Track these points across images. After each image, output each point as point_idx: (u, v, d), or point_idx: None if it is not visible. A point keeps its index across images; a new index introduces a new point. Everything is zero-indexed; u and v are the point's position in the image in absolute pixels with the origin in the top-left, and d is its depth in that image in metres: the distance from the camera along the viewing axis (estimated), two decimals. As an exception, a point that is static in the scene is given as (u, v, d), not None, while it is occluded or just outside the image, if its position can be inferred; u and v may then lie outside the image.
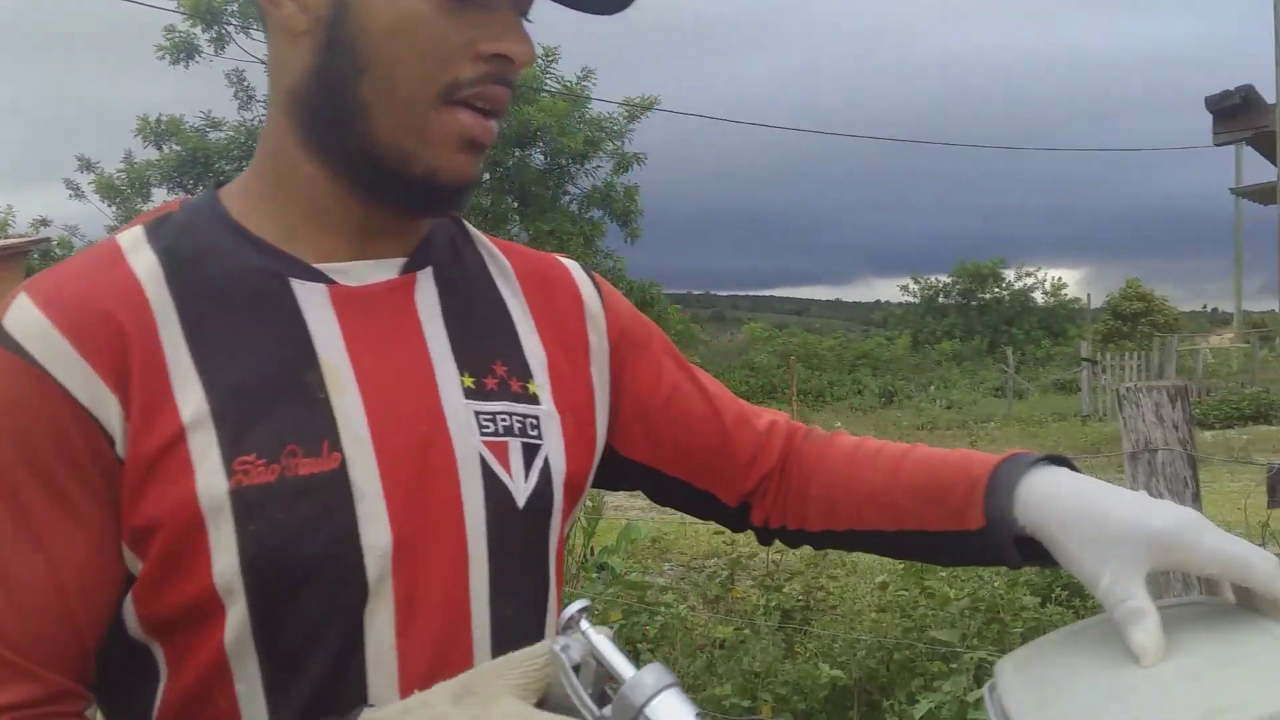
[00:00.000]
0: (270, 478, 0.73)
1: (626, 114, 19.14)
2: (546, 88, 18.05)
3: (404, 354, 0.82)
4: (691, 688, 4.04)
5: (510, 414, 0.85)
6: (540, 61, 17.66)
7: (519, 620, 0.82)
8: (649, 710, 0.56)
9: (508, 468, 0.83)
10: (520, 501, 0.83)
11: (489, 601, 0.80)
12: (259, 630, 0.73)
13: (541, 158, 18.70)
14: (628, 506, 10.85)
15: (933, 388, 27.29)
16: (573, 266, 0.99)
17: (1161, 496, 2.22)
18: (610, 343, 0.96)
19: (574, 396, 0.91)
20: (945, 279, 44.93)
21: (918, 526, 0.89)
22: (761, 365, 29.76)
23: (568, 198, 19.20)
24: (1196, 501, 2.19)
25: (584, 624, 0.63)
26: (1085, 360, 20.46)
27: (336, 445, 0.75)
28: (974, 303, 43.64)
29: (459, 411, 0.82)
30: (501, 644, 0.79)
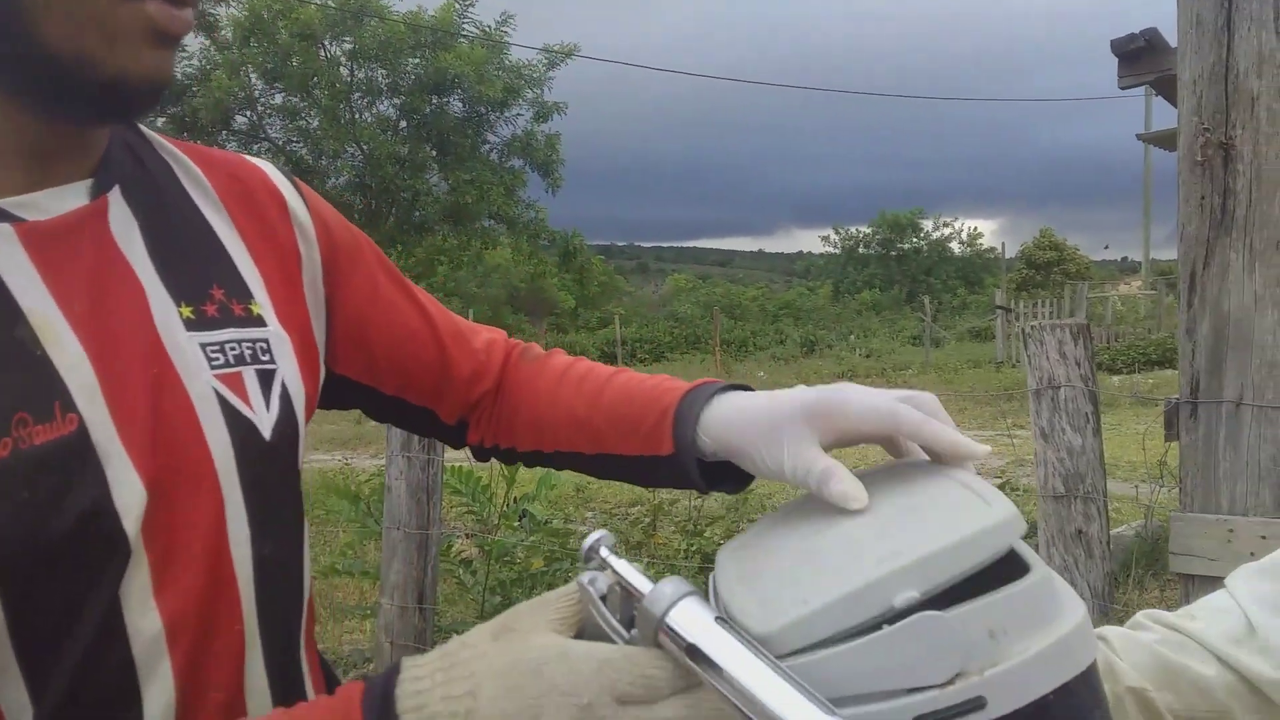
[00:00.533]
0: (3, 454, 0.63)
1: (546, 61, 18.86)
2: (464, 33, 17.67)
3: (114, 291, 0.73)
4: (613, 632, 4.06)
5: (239, 341, 0.78)
6: (457, 5, 17.26)
7: (277, 559, 0.78)
8: (669, 619, 0.57)
9: (247, 400, 0.77)
10: (266, 433, 0.77)
11: (249, 542, 0.75)
12: (12, 619, 0.64)
13: (460, 105, 18.38)
14: (551, 457, 10.83)
15: (853, 337, 27.67)
16: (268, 168, 0.90)
17: (1064, 432, 2.27)
18: (321, 253, 0.90)
19: (295, 313, 0.85)
20: (866, 230, 45.46)
21: (615, 451, 0.91)
22: (685, 316, 29.83)
23: (487, 146, 18.94)
24: (1097, 436, 2.25)
25: (604, 552, 0.63)
26: (999, 308, 20.90)
27: (70, 405, 0.66)
28: (893, 253, 44.24)
29: (183, 347, 0.74)
30: (265, 584, 0.75)
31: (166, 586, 0.70)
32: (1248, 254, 1.99)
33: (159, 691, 0.68)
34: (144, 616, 0.69)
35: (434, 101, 17.73)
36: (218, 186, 0.85)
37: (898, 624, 0.59)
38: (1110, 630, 0.90)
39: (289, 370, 0.81)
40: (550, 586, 4.31)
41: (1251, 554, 2.02)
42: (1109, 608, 2.34)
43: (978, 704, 0.58)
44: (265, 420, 0.78)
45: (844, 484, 0.70)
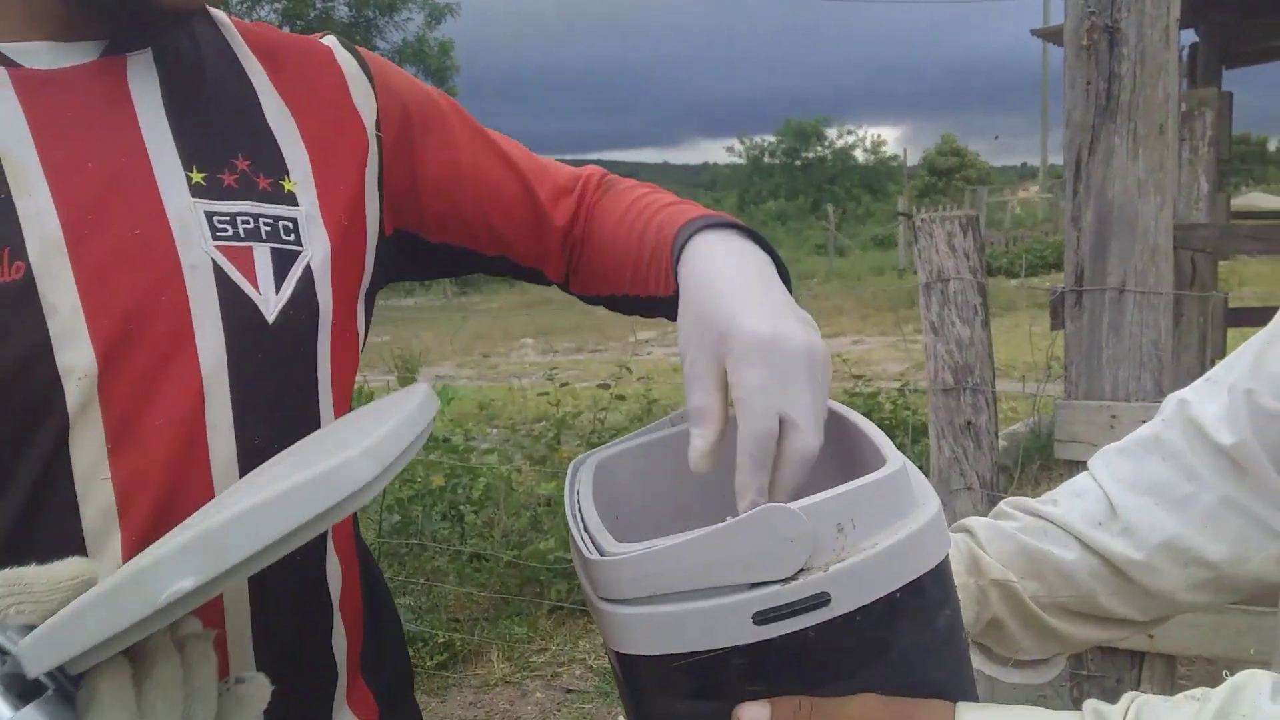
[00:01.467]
0: None
1: (437, -38, 18.20)
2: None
3: (112, 147, 0.70)
4: (516, 545, 4.05)
5: (256, 215, 0.74)
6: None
7: (272, 450, 0.72)
8: None
9: (252, 277, 0.72)
10: (270, 315, 0.73)
11: (233, 430, 0.71)
12: None
13: (346, 9, 17.68)
14: (455, 376, 10.73)
15: (759, 247, 27.80)
16: (333, 43, 0.87)
17: (953, 325, 2.26)
18: (394, 124, 0.86)
19: (341, 190, 0.80)
20: (771, 139, 45.48)
21: (652, 293, 0.87)
22: (592, 230, 29.54)
23: (377, 53, 18.31)
24: (985, 328, 2.24)
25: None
26: (901, 215, 21.17)
27: (20, 253, 0.65)
28: (798, 162, 44.41)
29: (184, 212, 0.71)
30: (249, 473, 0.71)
31: (123, 459, 0.67)
32: (1131, 139, 1.97)
33: (109, 568, 0.64)
34: (95, 485, 0.67)
35: (318, 6, 16.99)
36: (271, 57, 0.82)
37: (742, 515, 0.55)
38: (974, 521, 0.88)
39: (318, 254, 0.77)
40: (452, 504, 4.26)
41: (1133, 439, 2.05)
42: (996, 497, 2.37)
43: (821, 600, 0.55)
44: (271, 302, 0.73)
45: (697, 444, 0.66)
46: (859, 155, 45.17)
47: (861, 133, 45.57)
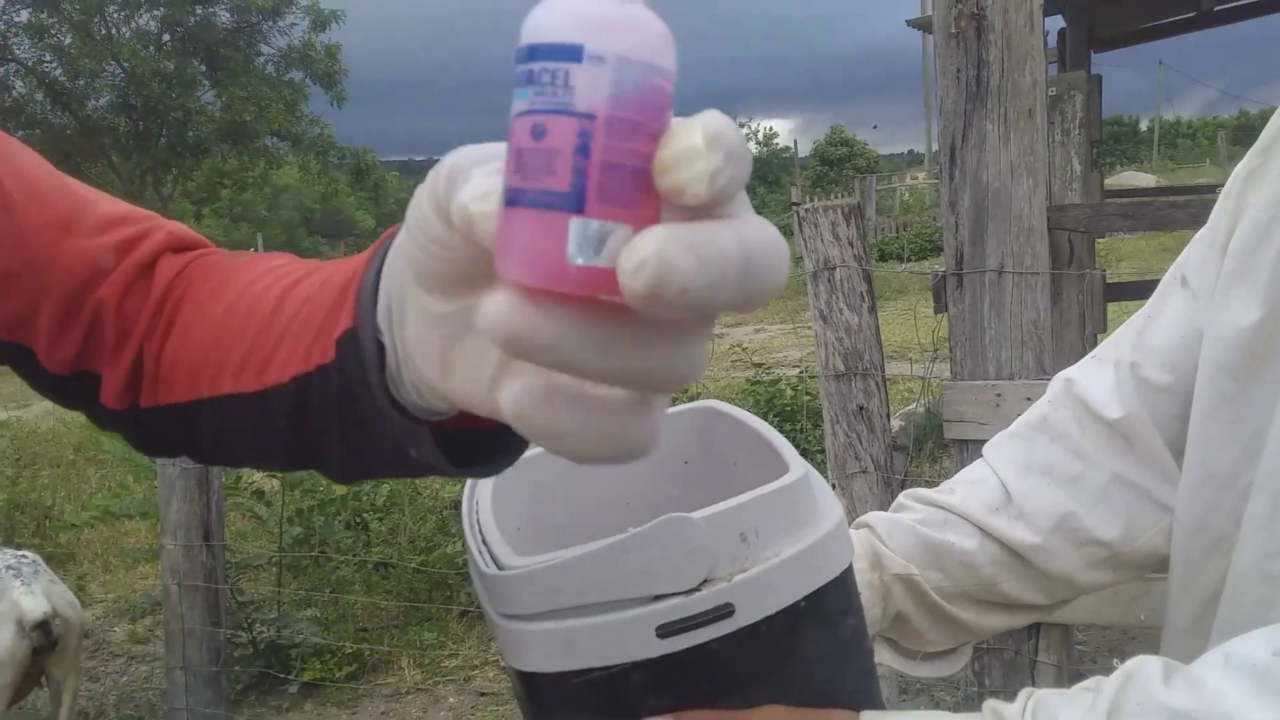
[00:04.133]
0: None
1: (317, -35, 17.81)
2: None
3: None
4: (424, 550, 4.00)
5: None
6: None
7: None
8: None
9: None
10: None
11: None
12: None
13: (227, 15, 17.16)
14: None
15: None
16: None
17: (841, 312, 2.31)
18: None
19: None
20: (665, 133, 45.64)
21: (277, 380, 0.55)
22: (489, 229, 29.23)
23: (262, 59, 17.84)
24: (873, 314, 2.29)
25: None
26: (794, 205, 21.48)
27: None
28: (693, 155, 44.63)
29: None
30: None
31: None
32: (1003, 124, 2.04)
33: None
34: None
35: (198, 12, 16.48)
36: None
37: (643, 527, 0.54)
38: (874, 516, 0.88)
39: None
40: (355, 512, 4.19)
41: (1018, 416, 2.11)
42: (892, 479, 2.42)
43: (725, 611, 0.55)
44: None
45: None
46: (752, 148, 45.57)
47: (754, 125, 46.02)
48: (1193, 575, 0.77)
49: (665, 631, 0.54)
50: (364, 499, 4.24)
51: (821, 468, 2.54)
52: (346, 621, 3.76)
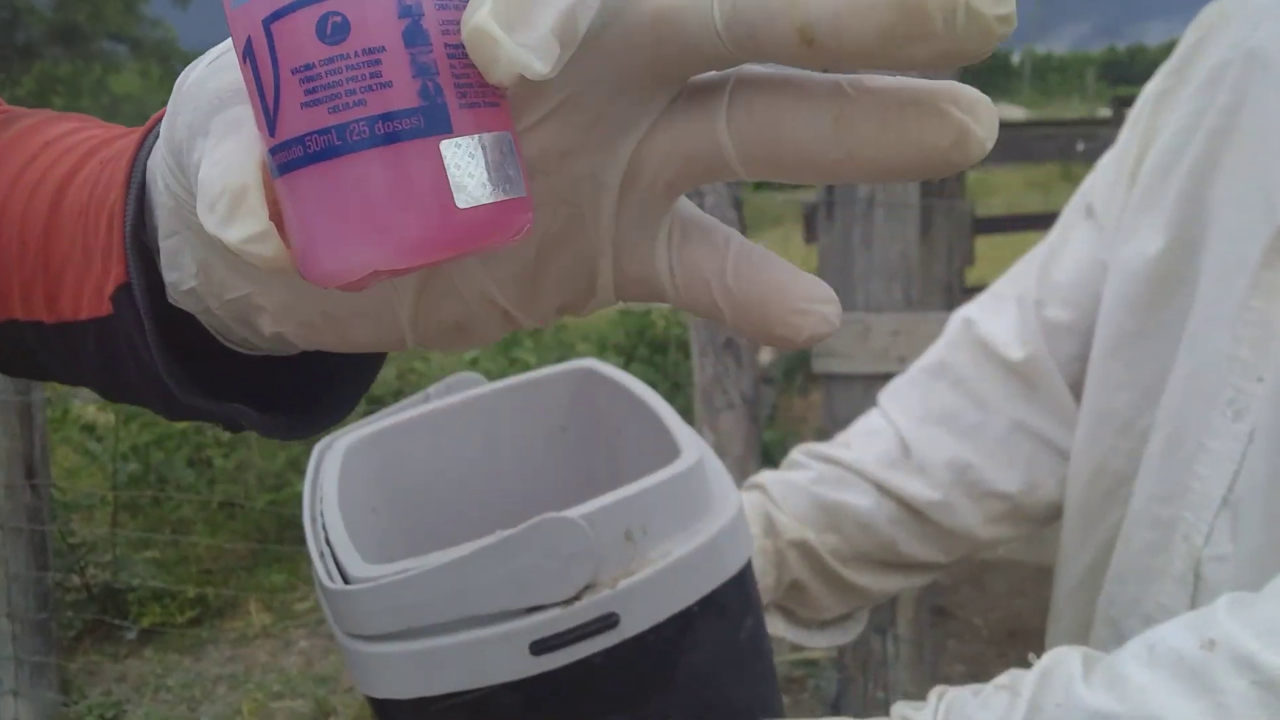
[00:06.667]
0: None
1: None
2: None
3: None
4: (272, 488, 3.84)
5: None
6: None
7: None
8: None
9: None
10: None
11: None
12: None
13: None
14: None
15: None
16: None
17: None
18: None
19: None
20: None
21: (67, 316, 0.46)
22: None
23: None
24: (741, 244, 2.21)
25: None
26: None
27: None
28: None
29: None
30: None
31: None
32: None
33: None
34: None
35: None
36: None
37: (512, 530, 0.46)
38: (767, 476, 0.82)
39: None
40: (198, 447, 3.97)
41: (886, 350, 2.07)
42: (759, 413, 2.38)
43: (609, 622, 0.48)
44: None
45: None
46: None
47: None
48: (1089, 523, 0.74)
49: (540, 648, 0.48)
50: (207, 433, 4.02)
51: (691, 401, 2.48)
52: (189, 563, 3.58)
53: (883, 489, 0.79)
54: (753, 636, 0.54)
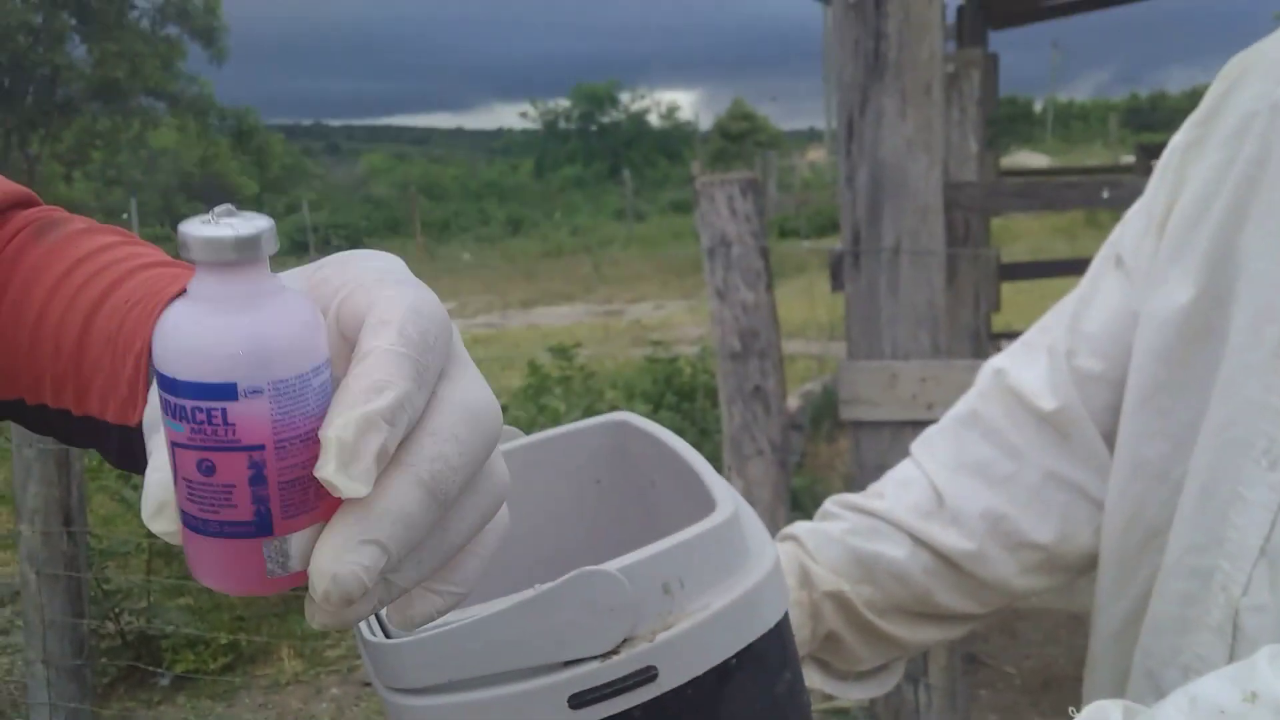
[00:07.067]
0: None
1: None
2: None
3: None
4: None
5: None
6: None
7: None
8: None
9: None
10: None
11: None
12: None
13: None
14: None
15: (558, 214, 27.71)
16: None
17: (738, 289, 2.23)
18: None
19: None
20: (566, 103, 45.36)
21: (92, 413, 0.54)
22: (383, 199, 28.80)
23: (136, 13, 17.08)
24: (769, 292, 2.23)
25: None
26: (693, 179, 21.51)
27: None
28: (593, 127, 44.49)
29: None
30: None
31: None
32: (900, 99, 1.98)
33: None
34: None
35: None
36: None
37: (551, 584, 0.47)
38: (800, 527, 0.82)
39: None
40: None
41: (914, 397, 2.08)
42: (788, 460, 2.37)
43: (648, 675, 0.48)
44: None
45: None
46: (654, 120, 45.66)
47: (655, 97, 46.01)
48: (1125, 574, 0.73)
49: (579, 701, 0.48)
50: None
51: (719, 448, 2.48)
52: (221, 610, 3.59)
53: (917, 539, 0.79)
54: (791, 689, 0.54)
